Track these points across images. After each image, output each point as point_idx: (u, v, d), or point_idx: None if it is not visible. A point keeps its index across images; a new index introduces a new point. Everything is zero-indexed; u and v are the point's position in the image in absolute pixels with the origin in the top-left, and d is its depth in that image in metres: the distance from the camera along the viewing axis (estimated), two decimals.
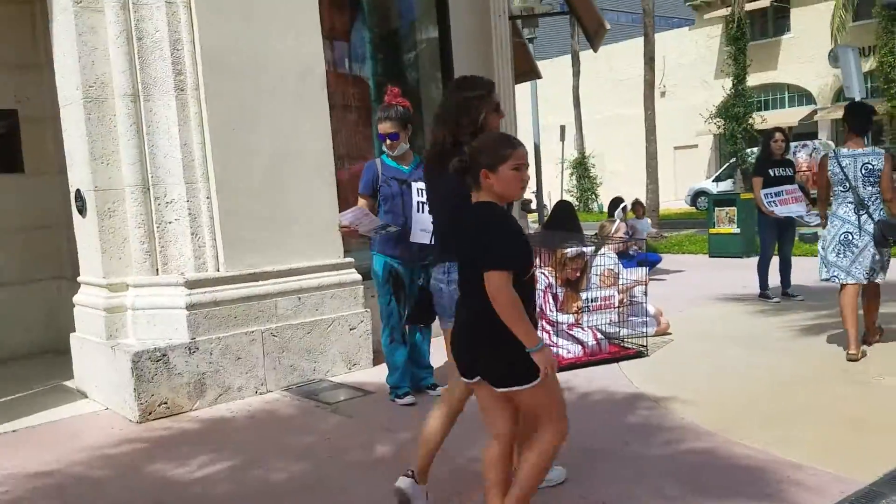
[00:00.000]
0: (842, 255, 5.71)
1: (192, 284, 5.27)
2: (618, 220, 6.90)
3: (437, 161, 3.33)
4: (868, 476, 3.56)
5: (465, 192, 2.91)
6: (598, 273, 6.48)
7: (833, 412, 4.55)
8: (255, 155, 5.56)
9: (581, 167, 25.79)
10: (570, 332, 6.02)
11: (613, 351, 6.10)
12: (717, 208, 12.85)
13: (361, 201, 5.07)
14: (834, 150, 5.85)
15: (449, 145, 3.30)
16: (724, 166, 26.45)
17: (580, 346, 5.96)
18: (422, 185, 5.02)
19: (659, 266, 11.45)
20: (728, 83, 24.78)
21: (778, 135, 8.23)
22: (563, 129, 23.02)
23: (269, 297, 5.57)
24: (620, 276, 6.43)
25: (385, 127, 5.03)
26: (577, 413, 4.53)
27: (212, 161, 5.37)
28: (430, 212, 3.69)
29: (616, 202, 10.82)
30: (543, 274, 6.14)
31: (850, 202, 5.68)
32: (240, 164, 5.49)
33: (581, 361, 5.88)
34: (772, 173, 8.10)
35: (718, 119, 24.07)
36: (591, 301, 5.84)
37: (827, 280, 5.93)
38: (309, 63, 5.83)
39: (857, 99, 13.23)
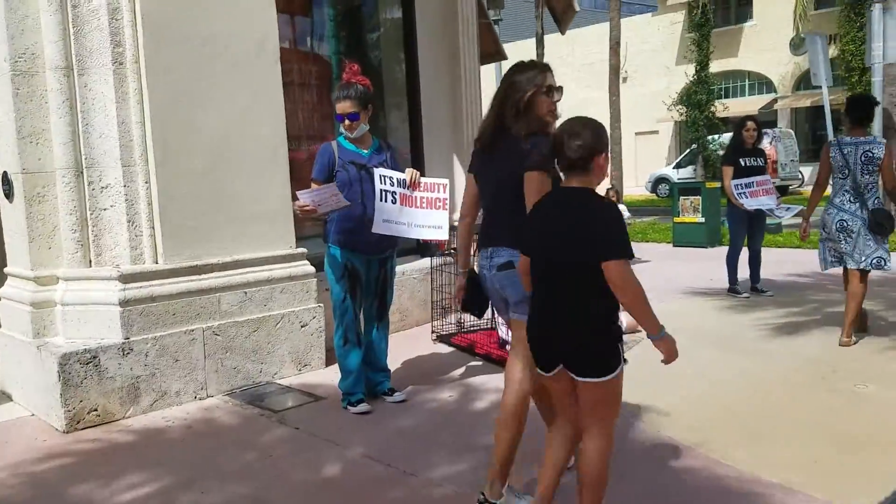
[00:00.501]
0: (843, 243, 5.77)
1: (126, 278, 4.79)
2: None
3: (489, 144, 3.30)
4: (865, 502, 3.27)
5: (517, 178, 3.08)
6: None
7: (817, 426, 4.26)
8: (200, 135, 5.07)
9: None
10: None
11: None
12: (681, 197, 12.61)
13: (315, 188, 4.63)
14: (837, 138, 5.96)
15: (497, 129, 3.26)
16: (685, 153, 26.35)
17: None
18: (386, 171, 4.61)
19: None
20: (690, 69, 24.64)
21: (750, 123, 7.92)
22: None
23: (213, 292, 5.10)
24: None
25: (344, 106, 4.59)
26: (542, 422, 4.20)
27: (151, 142, 4.87)
28: (485, 196, 3.40)
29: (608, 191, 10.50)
30: None
31: (846, 189, 5.77)
32: (182, 145, 5.00)
33: None
34: (743, 163, 7.81)
35: (680, 106, 23.92)
36: None
37: (826, 270, 6.13)
38: (261, 36, 5.34)
39: (824, 86, 13.06)
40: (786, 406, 4.62)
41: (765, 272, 8.34)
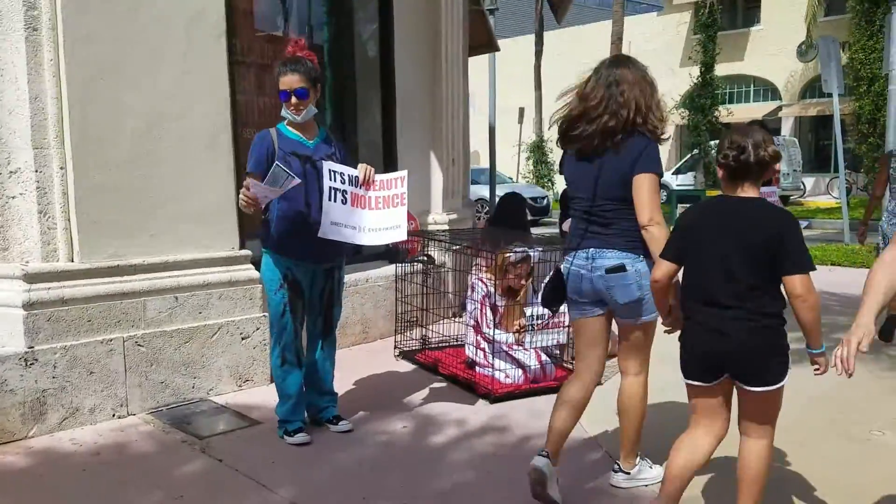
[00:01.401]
0: None
1: (32, 277, 4.12)
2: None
3: (593, 145, 3.26)
4: None
5: (626, 180, 3.17)
6: None
7: (832, 485, 3.61)
8: (127, 116, 4.41)
9: (539, 151, 24.75)
10: (510, 353, 5.01)
11: (560, 377, 5.11)
12: (679, 205, 12.02)
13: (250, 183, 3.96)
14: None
15: (609, 129, 3.22)
16: (685, 158, 25.69)
17: (521, 371, 4.96)
18: (336, 166, 3.96)
19: None
20: (695, 71, 23.95)
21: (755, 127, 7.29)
22: (521, 110, 22.03)
23: (137, 297, 4.44)
24: None
25: (291, 81, 3.92)
26: (511, 468, 3.62)
27: (69, 121, 4.21)
28: (581, 199, 3.34)
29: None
30: (481, 281, 5.12)
31: None
32: (105, 126, 4.34)
33: (521, 390, 4.88)
34: None
35: (683, 109, 23.23)
36: (538, 318, 4.82)
37: None
38: (202, 6, 4.68)
39: (835, 93, 12.44)
40: (789, 454, 3.98)
41: None
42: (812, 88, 26.16)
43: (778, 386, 2.86)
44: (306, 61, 3.98)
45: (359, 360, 5.62)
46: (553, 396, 4.86)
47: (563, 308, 4.89)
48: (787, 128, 28.32)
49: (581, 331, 3.52)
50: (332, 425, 4.25)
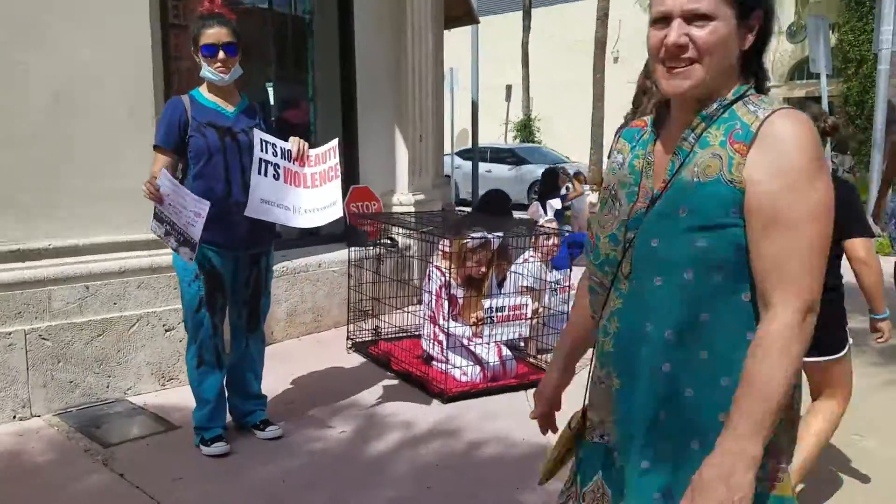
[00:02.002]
0: None
1: None
2: (541, 211, 5.21)
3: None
4: None
5: None
6: (513, 282, 5.00)
7: (807, 497, 3.16)
8: (32, 83, 3.89)
9: (525, 130, 24.15)
10: (468, 347, 4.52)
11: (522, 373, 4.64)
12: None
13: (160, 161, 3.43)
14: None
15: None
16: None
17: (479, 368, 4.47)
18: (267, 137, 3.45)
19: None
20: None
21: None
22: (509, 88, 21.48)
23: (41, 285, 3.93)
24: (544, 291, 4.97)
25: (218, 34, 3.38)
26: (454, 480, 3.21)
27: None
28: None
29: (552, 175, 9.33)
30: (438, 269, 4.62)
31: None
32: (6, 93, 3.82)
33: (478, 388, 4.40)
34: None
35: None
36: (497, 311, 4.33)
37: None
38: None
39: (823, 73, 11.94)
40: None
41: None
42: (801, 70, 25.66)
43: (839, 356, 2.95)
44: (229, 18, 3.46)
45: (306, 353, 5.12)
46: (513, 395, 4.43)
47: (526, 300, 4.45)
48: None
49: None
50: (258, 431, 3.76)
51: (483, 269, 4.61)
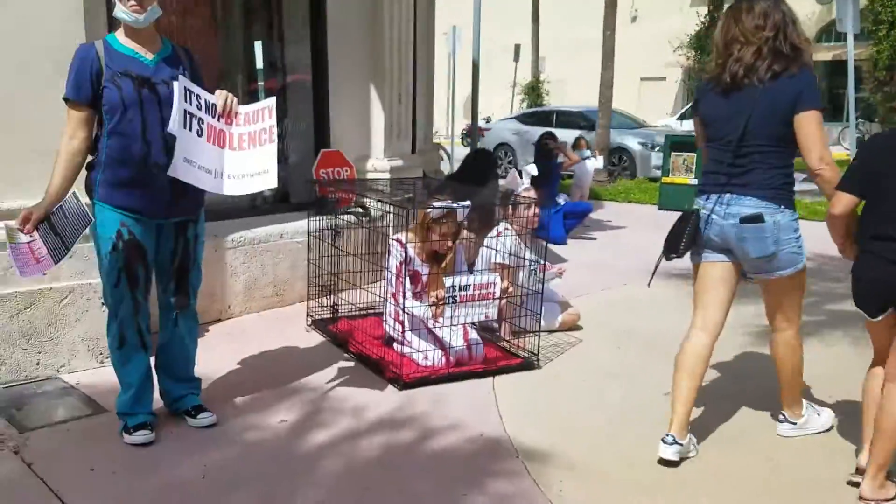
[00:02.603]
0: None
1: None
2: (520, 179, 4.82)
3: (738, 81, 3.10)
4: None
5: (779, 119, 3.04)
6: (485, 258, 4.63)
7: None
8: None
9: (533, 94, 23.48)
10: (431, 329, 4.18)
11: (492, 358, 4.29)
12: (673, 154, 11.04)
13: (74, 119, 3.07)
14: None
15: (752, 65, 3.08)
16: (690, 104, 24.51)
17: (441, 352, 4.13)
18: (192, 86, 3.09)
19: (594, 217, 9.64)
20: (704, 10, 22.56)
21: None
22: (517, 48, 20.87)
23: None
24: (520, 268, 4.59)
25: None
26: (394, 480, 3.05)
27: None
28: (721, 139, 3.17)
29: (547, 140, 8.88)
30: (398, 242, 4.26)
31: None
32: None
33: (438, 374, 4.06)
34: None
35: (690, 50, 21.88)
36: (460, 289, 3.96)
37: None
38: None
39: (850, 34, 11.36)
40: (755, 487, 3.17)
41: None
42: (828, 32, 24.82)
43: None
44: None
45: (263, 330, 4.80)
46: (478, 383, 4.10)
47: (494, 278, 4.09)
48: None
49: (702, 275, 3.40)
50: (190, 418, 3.44)
51: (448, 243, 4.24)
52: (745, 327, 5.05)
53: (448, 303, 3.93)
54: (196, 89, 3.11)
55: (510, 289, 4.20)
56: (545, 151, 8.62)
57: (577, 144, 9.68)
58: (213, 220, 5.02)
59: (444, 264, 4.33)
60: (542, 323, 4.80)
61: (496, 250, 4.55)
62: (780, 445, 3.46)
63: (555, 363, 4.38)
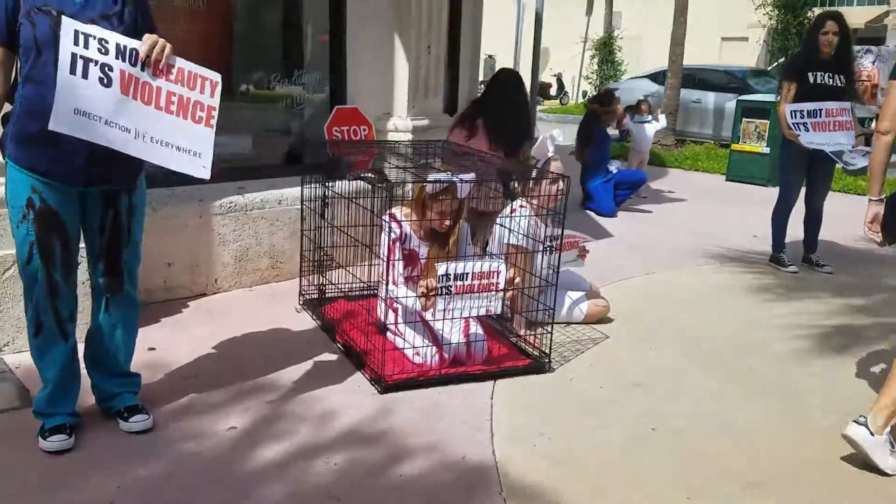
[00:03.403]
0: None
1: None
2: (550, 147, 4.15)
3: None
4: None
5: None
6: (497, 238, 4.01)
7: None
8: None
9: (605, 49, 22.30)
10: (427, 321, 3.59)
11: (497, 356, 3.68)
12: (744, 119, 10.11)
13: None
14: None
15: None
16: (771, 66, 23.00)
17: (435, 349, 3.54)
18: (94, 29, 2.54)
19: (652, 187, 8.87)
20: None
21: (830, 24, 5.41)
22: (591, 0, 19.79)
23: None
24: (536, 252, 3.93)
25: None
26: None
27: None
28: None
29: (607, 96, 8.07)
30: (392, 218, 3.66)
31: None
32: None
33: (430, 376, 3.48)
34: (811, 78, 5.38)
35: (772, 8, 20.41)
36: (456, 279, 3.34)
37: None
38: None
39: None
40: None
41: (832, 233, 6.07)
42: None
43: None
44: None
45: (247, 309, 4.29)
46: (475, 388, 3.49)
47: (497, 266, 3.46)
48: (893, 38, 25.12)
49: None
50: (122, 421, 2.94)
51: (448, 221, 3.61)
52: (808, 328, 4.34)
53: (441, 293, 3.33)
54: (97, 31, 2.50)
55: (517, 279, 3.56)
56: (590, 113, 7.82)
57: (637, 108, 8.84)
58: (201, 182, 4.53)
59: (447, 246, 3.72)
60: (565, 314, 4.19)
61: (510, 230, 3.91)
62: None
63: (570, 365, 3.75)
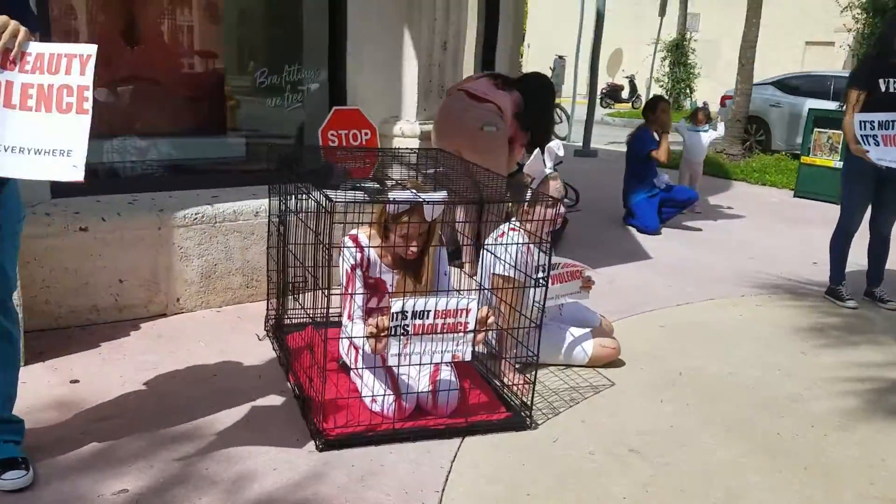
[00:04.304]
0: None
1: None
2: (547, 163, 3.52)
3: None
4: None
5: None
6: (485, 267, 3.43)
7: None
8: None
9: (677, 51, 21.26)
10: (386, 364, 3.03)
11: (471, 406, 3.11)
12: (816, 129, 9.23)
13: None
14: None
15: None
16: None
17: (393, 398, 2.99)
18: None
19: (711, 202, 8.13)
20: None
21: None
22: (664, 1, 18.89)
23: None
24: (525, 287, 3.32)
25: None
26: None
27: None
28: None
29: (655, 103, 7.35)
30: (353, 241, 3.13)
31: None
32: None
33: (384, 430, 2.92)
34: (883, 86, 4.62)
35: (859, 11, 19.09)
36: (414, 317, 2.78)
37: None
38: None
39: None
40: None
41: None
42: None
43: None
44: None
45: (205, 334, 3.82)
46: (433, 447, 2.91)
47: (467, 304, 2.89)
48: None
49: None
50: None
51: (413, 247, 3.05)
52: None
53: (394, 334, 2.77)
54: None
55: (491, 318, 2.96)
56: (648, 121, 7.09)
57: (694, 117, 8.06)
58: (158, 189, 4.09)
59: (420, 276, 3.16)
60: (564, 356, 3.60)
61: (498, 258, 3.33)
62: None
63: (558, 420, 3.14)
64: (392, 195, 2.96)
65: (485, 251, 3.47)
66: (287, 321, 3.83)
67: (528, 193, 3.34)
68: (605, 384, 3.51)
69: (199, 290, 4.04)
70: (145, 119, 4.46)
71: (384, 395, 2.97)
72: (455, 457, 2.84)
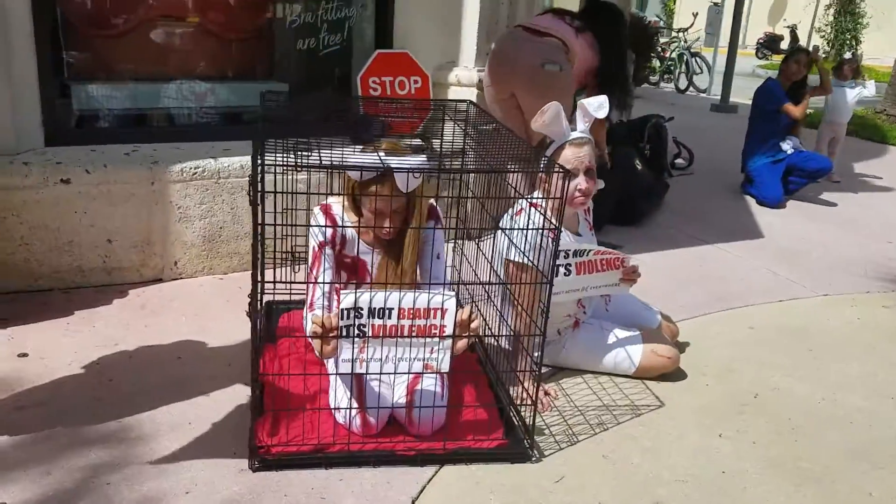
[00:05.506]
0: None
1: None
2: (565, 124, 2.76)
3: None
4: None
5: None
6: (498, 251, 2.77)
7: None
8: None
9: (847, 2, 18.91)
10: (359, 370, 2.43)
11: (460, 425, 2.48)
12: None
13: None
14: None
15: None
16: None
17: (356, 410, 2.40)
18: None
19: (856, 169, 6.99)
20: None
21: None
22: None
23: None
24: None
25: None
26: None
27: None
28: None
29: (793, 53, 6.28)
30: (326, 212, 2.54)
31: None
32: None
33: (337, 452, 2.34)
34: None
35: None
36: (372, 316, 2.16)
37: None
38: None
39: None
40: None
41: None
42: None
43: None
44: None
45: (191, 305, 3.37)
46: (399, 474, 2.28)
47: (443, 302, 2.25)
48: None
49: None
50: None
51: (387, 224, 2.41)
52: None
53: (345, 335, 2.18)
54: None
55: (475, 321, 2.29)
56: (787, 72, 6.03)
57: (839, 70, 6.86)
58: (153, 141, 3.64)
59: (404, 259, 2.53)
60: (606, 363, 2.90)
61: (512, 242, 2.64)
62: None
63: (570, 452, 2.46)
64: (352, 161, 2.33)
65: (500, 231, 2.79)
66: (287, 297, 3.29)
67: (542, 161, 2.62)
68: (651, 404, 2.78)
69: (200, 254, 3.58)
70: (150, 62, 4.00)
71: (347, 407, 2.39)
72: (422, 491, 2.23)
